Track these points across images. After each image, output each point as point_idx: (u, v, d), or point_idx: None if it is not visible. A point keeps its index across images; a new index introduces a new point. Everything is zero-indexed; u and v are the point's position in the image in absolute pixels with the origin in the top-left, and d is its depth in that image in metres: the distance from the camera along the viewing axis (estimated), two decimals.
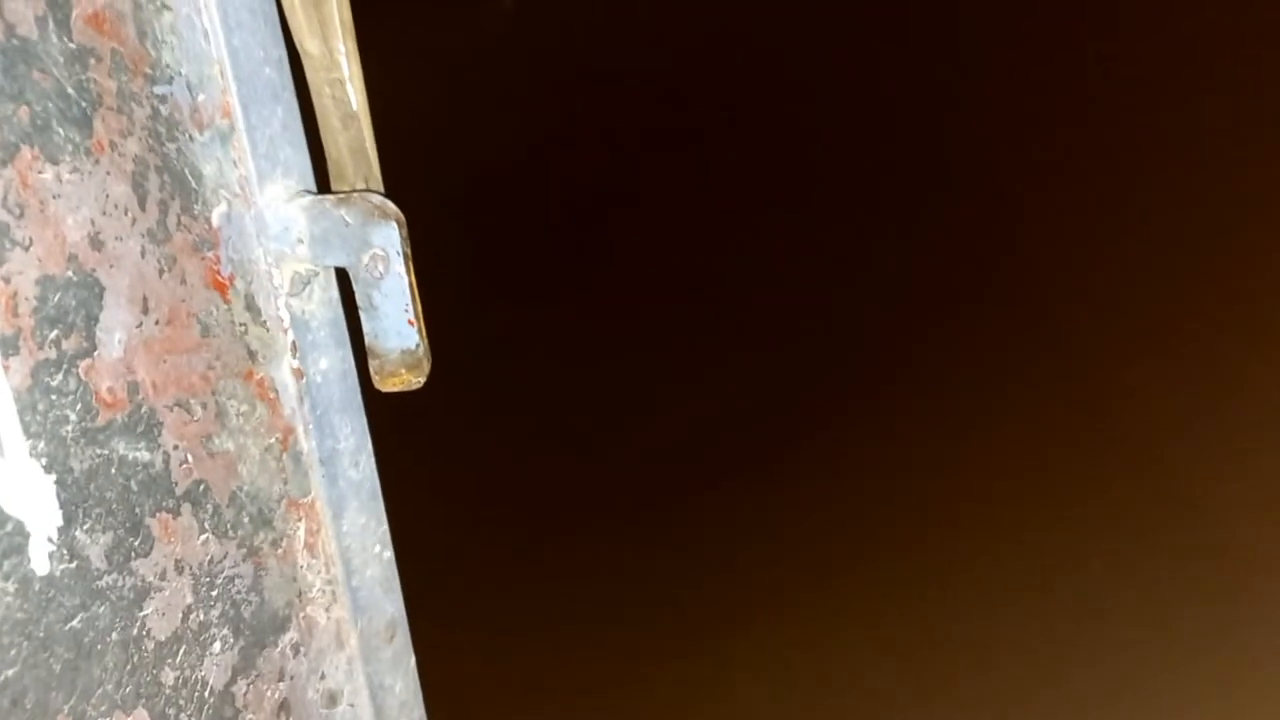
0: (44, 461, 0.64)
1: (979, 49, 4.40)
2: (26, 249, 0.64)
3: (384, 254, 0.77)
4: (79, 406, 0.67)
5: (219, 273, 0.76)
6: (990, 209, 4.04)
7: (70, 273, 0.66)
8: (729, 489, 3.27)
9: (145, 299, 0.71)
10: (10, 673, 0.61)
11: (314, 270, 0.79)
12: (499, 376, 3.67)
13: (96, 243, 0.68)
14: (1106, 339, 3.50)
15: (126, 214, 0.70)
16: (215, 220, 0.76)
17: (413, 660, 0.90)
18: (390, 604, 0.89)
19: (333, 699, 0.85)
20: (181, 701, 0.71)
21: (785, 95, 4.52)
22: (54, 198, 0.65)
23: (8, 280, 0.62)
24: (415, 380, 0.80)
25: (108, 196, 0.69)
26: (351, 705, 0.87)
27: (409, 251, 0.78)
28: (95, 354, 0.68)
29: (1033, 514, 3.01)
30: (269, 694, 0.79)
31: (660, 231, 4.17)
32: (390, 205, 0.79)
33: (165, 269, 0.72)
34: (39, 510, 0.63)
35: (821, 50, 4.55)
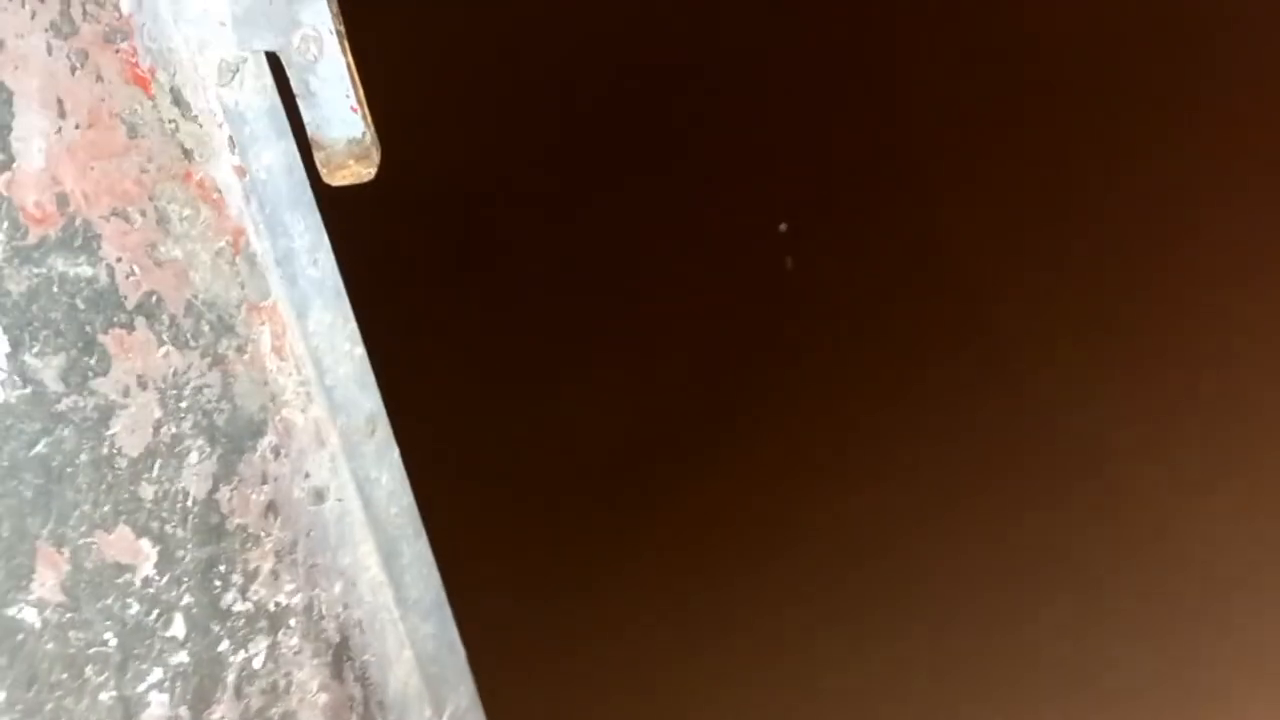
0: None
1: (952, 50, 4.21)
2: None
3: (316, 34, 0.70)
4: (6, 225, 0.62)
5: (138, 66, 0.69)
6: (959, 204, 3.95)
7: None
8: (721, 467, 3.27)
9: (60, 101, 0.65)
10: None
11: (242, 56, 0.73)
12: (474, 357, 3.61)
13: None
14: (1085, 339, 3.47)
15: (24, 7, 0.64)
16: (125, 6, 0.69)
17: (396, 453, 0.90)
18: (367, 399, 0.87)
19: (319, 496, 0.85)
20: (164, 514, 0.71)
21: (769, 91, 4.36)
22: None
23: None
24: (365, 171, 0.75)
25: None
26: (339, 500, 0.87)
27: (344, 30, 0.71)
28: (14, 166, 0.63)
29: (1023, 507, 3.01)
30: (254, 497, 0.79)
31: (637, 221, 4.07)
32: None
33: (77, 66, 0.66)
34: None
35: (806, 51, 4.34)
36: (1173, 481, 2.98)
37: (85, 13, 0.66)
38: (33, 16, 0.64)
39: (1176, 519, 2.91)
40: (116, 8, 0.68)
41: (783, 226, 3.71)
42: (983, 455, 3.16)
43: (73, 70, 0.66)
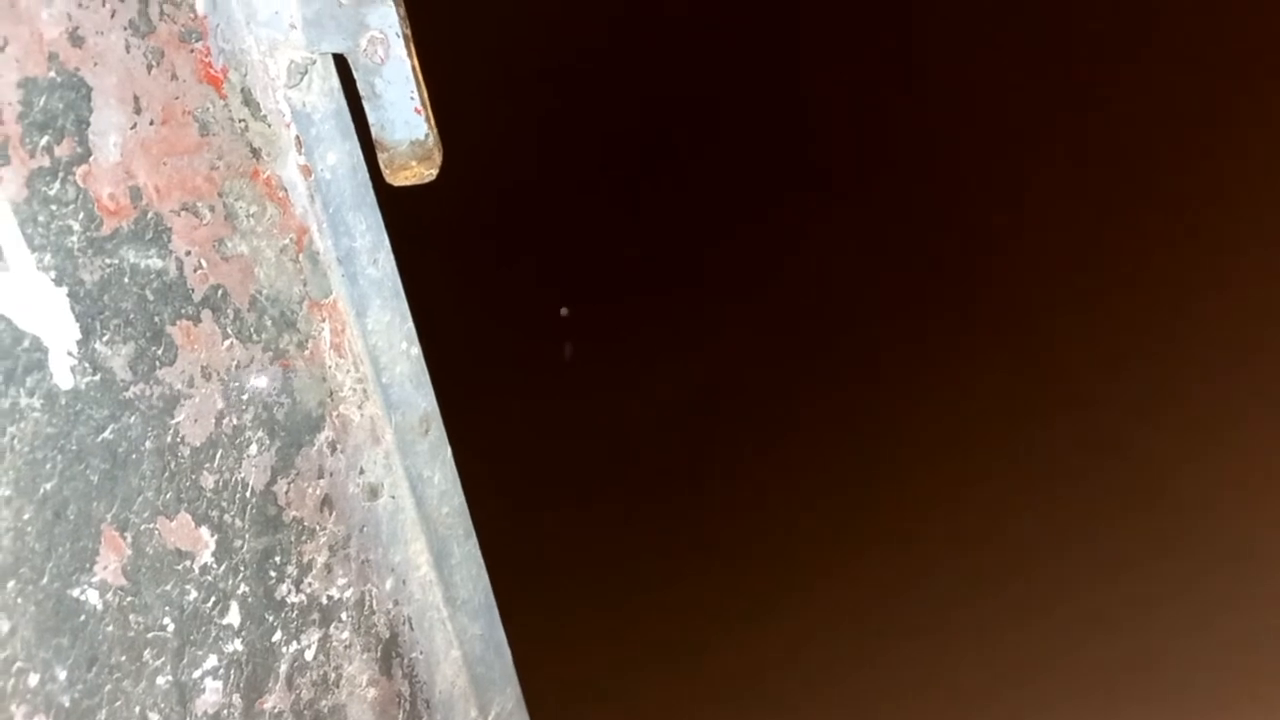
0: (53, 274, 0.62)
1: (965, 47, 4.25)
2: (2, 50, 0.60)
3: (382, 36, 0.72)
4: (81, 216, 0.64)
5: (211, 65, 0.71)
6: (971, 203, 3.98)
7: (53, 73, 0.62)
8: (724, 474, 3.30)
9: (136, 98, 0.67)
10: (48, 486, 0.61)
11: (310, 58, 0.74)
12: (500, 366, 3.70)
13: (76, 39, 0.64)
14: (1093, 332, 3.47)
15: (104, 5, 0.66)
16: (200, 7, 0.71)
17: (448, 452, 0.91)
18: (422, 399, 0.88)
19: (373, 492, 0.86)
20: (224, 503, 0.72)
21: (779, 90, 4.46)
22: None
23: None
24: (427, 172, 0.76)
25: None
26: (393, 497, 0.88)
27: (409, 33, 0.73)
28: (91, 159, 0.65)
29: (1019, 506, 3.01)
30: (310, 491, 0.80)
31: (653, 223, 4.15)
32: None
33: (153, 64, 0.68)
34: (54, 324, 0.62)
35: (814, 46, 4.43)
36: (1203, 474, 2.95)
37: (162, 13, 0.68)
38: (112, 15, 0.66)
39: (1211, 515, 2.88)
40: (192, 9, 0.70)
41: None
42: (1008, 458, 3.15)
43: (149, 68, 0.68)
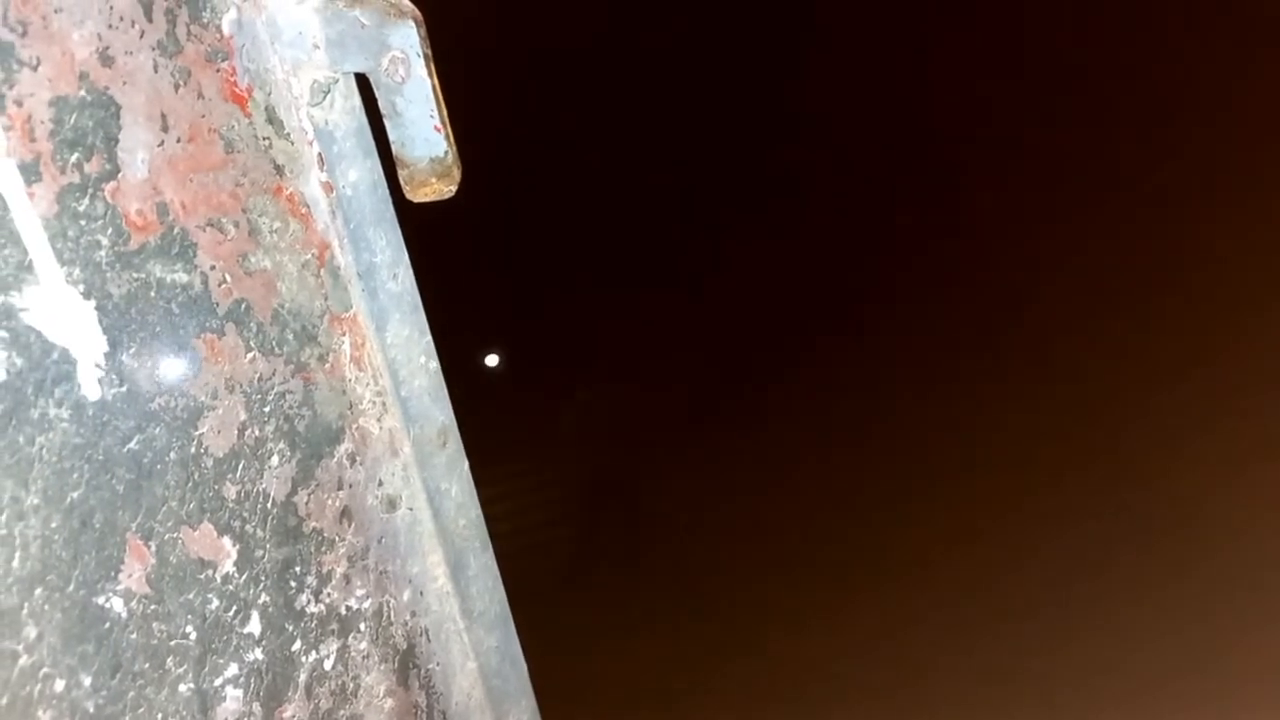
0: (81, 288, 0.63)
1: (968, 47, 4.31)
2: (35, 69, 0.61)
3: (403, 56, 0.73)
4: (110, 231, 0.66)
5: (236, 84, 0.73)
6: (980, 201, 4.03)
7: (83, 92, 0.64)
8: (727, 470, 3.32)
9: (164, 116, 0.69)
10: (75, 495, 0.63)
11: (333, 77, 0.76)
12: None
13: (106, 59, 0.66)
14: (1108, 335, 3.51)
15: (134, 26, 0.67)
16: (226, 28, 0.72)
17: (465, 465, 0.92)
18: (440, 412, 0.90)
19: (392, 504, 0.87)
20: (245, 514, 0.73)
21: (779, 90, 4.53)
22: (56, 12, 0.62)
23: (20, 104, 0.60)
24: (446, 189, 0.77)
25: (112, 8, 0.66)
26: (410, 509, 0.89)
27: (429, 53, 0.74)
28: (119, 176, 0.66)
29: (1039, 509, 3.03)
30: (330, 502, 0.81)
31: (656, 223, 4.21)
32: (407, 3, 0.75)
33: (180, 83, 0.70)
34: (83, 336, 0.63)
35: (811, 48, 4.49)
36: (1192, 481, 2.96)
37: (189, 33, 0.70)
38: (141, 35, 0.67)
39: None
40: (218, 29, 0.72)
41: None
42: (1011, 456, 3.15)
43: (176, 87, 0.70)
